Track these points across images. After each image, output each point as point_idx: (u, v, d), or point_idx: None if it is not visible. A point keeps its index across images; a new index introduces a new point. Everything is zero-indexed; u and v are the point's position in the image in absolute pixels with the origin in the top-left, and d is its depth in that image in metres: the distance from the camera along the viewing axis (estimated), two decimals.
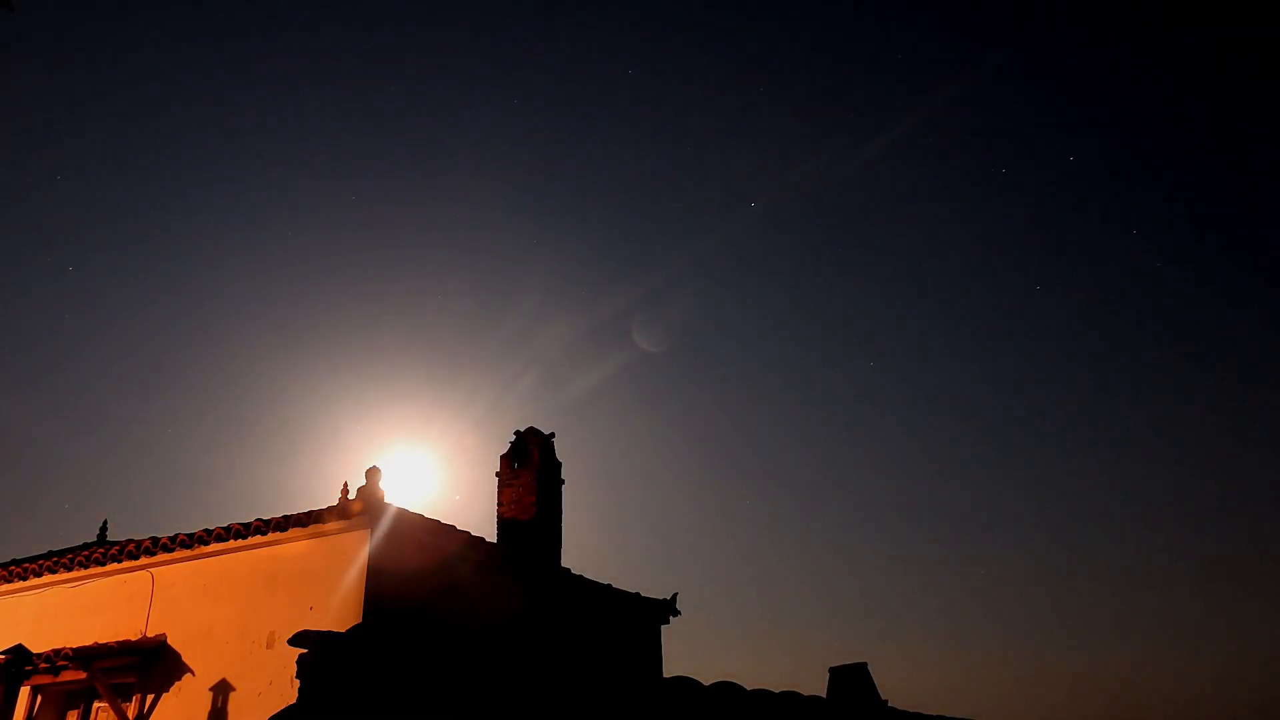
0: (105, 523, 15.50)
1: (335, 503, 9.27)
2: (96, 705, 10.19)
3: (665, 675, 9.51)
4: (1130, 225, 39.19)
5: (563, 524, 12.88)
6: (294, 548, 9.36)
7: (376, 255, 41.38)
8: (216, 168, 39.90)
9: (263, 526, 9.39)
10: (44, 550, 13.04)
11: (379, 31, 38.70)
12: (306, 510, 9.21)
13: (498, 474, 13.03)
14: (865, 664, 11.79)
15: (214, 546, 9.80)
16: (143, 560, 10.35)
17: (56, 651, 9.56)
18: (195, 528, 10.00)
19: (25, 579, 11.31)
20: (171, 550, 10.08)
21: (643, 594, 13.03)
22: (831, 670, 11.90)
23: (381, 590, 8.77)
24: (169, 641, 9.72)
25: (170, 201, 39.62)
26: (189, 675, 9.40)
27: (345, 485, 9.55)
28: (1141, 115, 38.46)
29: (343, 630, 5.75)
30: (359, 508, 8.94)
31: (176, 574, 10.12)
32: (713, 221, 38.67)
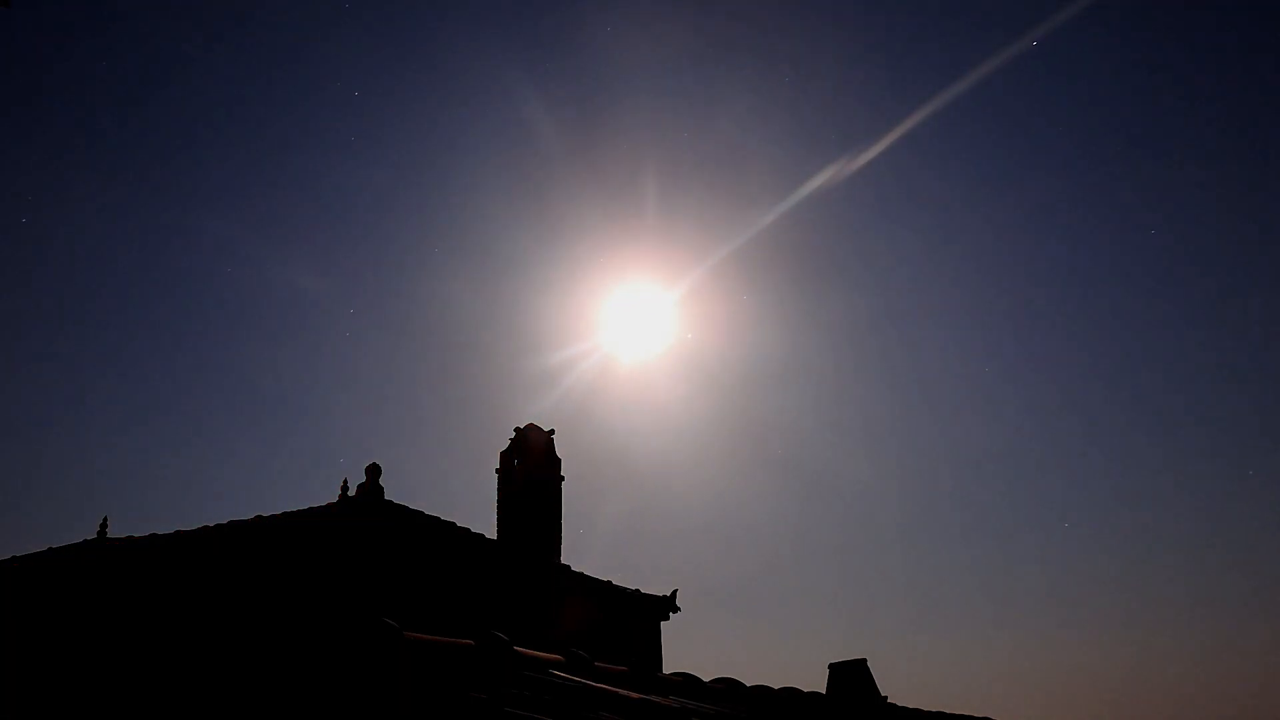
0: (105, 520, 15.49)
1: (335, 500, 9.28)
2: None
3: (665, 671, 9.53)
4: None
5: (562, 520, 12.89)
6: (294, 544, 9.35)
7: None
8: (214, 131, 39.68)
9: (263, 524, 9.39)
10: (44, 547, 13.03)
11: None
12: (307, 507, 9.22)
13: (497, 470, 13.02)
14: (865, 660, 11.76)
15: None
16: None
17: None
18: (195, 525, 10.02)
19: None
20: None
21: (643, 591, 13.06)
22: (831, 666, 11.87)
23: (381, 586, 8.79)
24: None
25: (164, 192, 39.59)
26: None
27: (345, 482, 9.56)
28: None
29: None
30: (358, 505, 8.95)
31: None
32: (720, 220, 38.66)
